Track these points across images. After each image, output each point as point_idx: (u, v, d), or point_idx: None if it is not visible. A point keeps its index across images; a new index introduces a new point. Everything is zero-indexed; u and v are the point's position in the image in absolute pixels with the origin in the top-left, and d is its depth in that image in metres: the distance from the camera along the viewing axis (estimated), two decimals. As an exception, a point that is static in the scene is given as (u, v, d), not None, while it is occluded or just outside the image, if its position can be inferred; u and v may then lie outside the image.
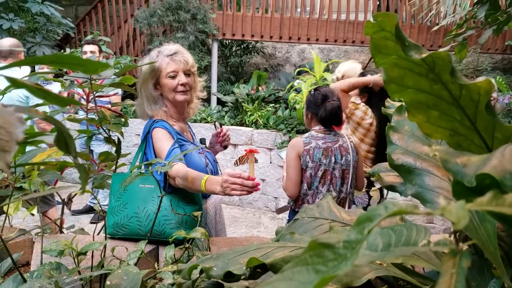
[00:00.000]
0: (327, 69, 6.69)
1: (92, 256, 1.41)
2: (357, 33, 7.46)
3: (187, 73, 1.95)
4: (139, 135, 6.41)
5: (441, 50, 0.78)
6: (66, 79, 1.69)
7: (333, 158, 2.67)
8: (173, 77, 1.92)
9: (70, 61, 0.43)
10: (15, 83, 0.44)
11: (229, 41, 8.57)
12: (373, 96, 3.35)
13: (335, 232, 0.36)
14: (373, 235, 0.37)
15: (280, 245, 0.91)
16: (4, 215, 1.61)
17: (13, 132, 0.34)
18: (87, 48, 4.93)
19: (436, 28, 4.10)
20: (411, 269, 0.94)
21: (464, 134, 0.82)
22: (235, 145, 5.95)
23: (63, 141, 0.42)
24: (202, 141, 2.35)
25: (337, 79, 3.63)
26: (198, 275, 0.94)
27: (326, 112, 2.69)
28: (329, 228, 1.00)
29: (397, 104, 1.31)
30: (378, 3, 7.84)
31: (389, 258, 0.75)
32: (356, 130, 3.28)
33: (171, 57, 1.92)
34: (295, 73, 7.09)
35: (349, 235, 0.31)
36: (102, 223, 1.91)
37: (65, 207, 1.82)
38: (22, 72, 4.03)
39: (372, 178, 3.20)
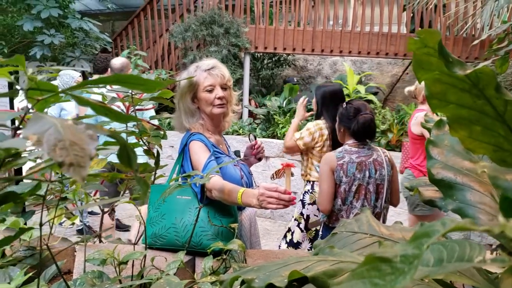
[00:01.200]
0: (359, 82, 6.66)
1: (133, 265, 1.45)
2: (390, 45, 7.41)
3: (224, 87, 1.99)
4: (172, 146, 6.51)
5: (482, 64, 0.78)
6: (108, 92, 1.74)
7: (367, 172, 2.64)
8: (210, 91, 1.96)
9: (132, 80, 0.46)
10: (80, 101, 0.47)
11: (261, 54, 8.65)
12: (324, 106, 3.42)
13: (385, 247, 0.37)
14: (425, 252, 0.38)
15: (320, 259, 0.91)
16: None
17: (86, 148, 0.36)
18: None
19: (476, 42, 4.05)
20: (452, 285, 0.93)
21: (509, 149, 0.82)
22: (267, 158, 5.96)
23: (126, 156, 0.44)
24: (237, 153, 2.37)
25: (414, 91, 3.89)
26: (239, 287, 0.95)
27: (359, 125, 2.66)
28: (370, 243, 1.00)
29: (436, 118, 1.31)
30: (412, 15, 7.77)
31: (433, 274, 0.75)
32: (309, 155, 3.46)
33: (208, 71, 1.96)
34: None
35: (405, 250, 0.32)
36: (137, 233, 1.96)
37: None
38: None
39: None
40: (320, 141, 3.37)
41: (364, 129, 2.67)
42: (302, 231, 3.52)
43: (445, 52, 0.73)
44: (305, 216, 3.48)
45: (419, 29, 7.29)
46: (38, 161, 0.97)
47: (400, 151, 5.49)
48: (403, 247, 0.33)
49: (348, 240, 1.10)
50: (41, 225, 1.00)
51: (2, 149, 0.39)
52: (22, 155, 0.67)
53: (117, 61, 4.38)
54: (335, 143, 3.26)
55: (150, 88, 0.49)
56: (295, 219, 3.59)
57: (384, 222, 2.71)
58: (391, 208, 2.85)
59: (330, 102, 3.36)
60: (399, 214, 5.09)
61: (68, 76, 4.84)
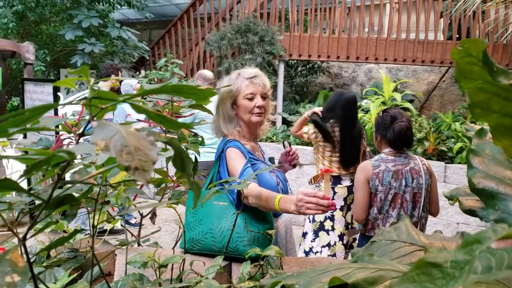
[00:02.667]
0: (395, 89, 6.58)
1: (172, 269, 1.48)
2: (426, 53, 7.29)
3: (264, 96, 2.02)
4: (207, 153, 6.57)
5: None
6: (149, 101, 1.79)
7: (403, 181, 2.62)
8: (251, 99, 1.99)
9: (186, 90, 0.49)
10: (138, 109, 0.50)
11: (295, 61, 8.66)
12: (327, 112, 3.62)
13: (431, 253, 0.38)
14: (476, 258, 0.39)
15: (360, 266, 0.92)
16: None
17: (149, 153, 0.39)
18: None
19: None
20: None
21: (555, 159, 0.81)
22: (300, 165, 5.95)
23: (180, 161, 0.47)
24: (271, 160, 2.39)
25: None
26: (278, 292, 0.96)
27: (395, 133, 2.65)
28: (409, 251, 1.00)
29: (477, 127, 1.29)
30: (449, 21, 7.63)
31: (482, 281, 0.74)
32: (317, 149, 3.65)
33: (250, 80, 1.99)
34: (363, 93, 7.03)
35: (456, 256, 0.33)
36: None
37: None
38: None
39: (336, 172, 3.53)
40: (320, 139, 3.58)
41: (400, 137, 2.66)
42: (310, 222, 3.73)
43: (489, 61, 0.73)
44: None
45: (457, 36, 7.13)
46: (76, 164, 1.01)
47: (437, 160, 5.39)
48: (454, 253, 0.34)
49: (387, 248, 1.10)
50: (93, 226, 1.04)
51: (69, 154, 0.42)
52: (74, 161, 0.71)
53: (210, 73, 5.06)
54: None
55: (202, 97, 0.51)
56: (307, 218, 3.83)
57: (422, 231, 2.67)
58: (429, 217, 2.83)
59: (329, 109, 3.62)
60: (436, 224, 5.00)
61: (128, 85, 5.17)
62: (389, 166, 2.64)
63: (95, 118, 0.48)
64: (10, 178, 0.44)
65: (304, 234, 3.70)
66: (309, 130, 3.64)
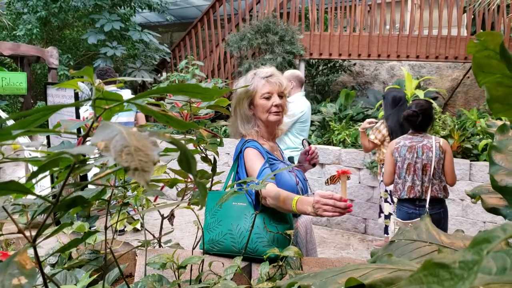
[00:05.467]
0: (418, 86, 6.48)
1: (191, 270, 1.48)
2: (450, 49, 7.15)
3: (280, 95, 2.01)
4: (228, 153, 6.59)
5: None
6: (168, 103, 1.81)
7: (415, 154, 3.45)
8: (268, 98, 1.98)
9: (192, 89, 0.48)
10: (144, 109, 0.50)
11: (316, 60, 8.61)
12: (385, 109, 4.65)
13: (444, 253, 0.36)
14: (485, 258, 0.37)
15: (378, 267, 0.90)
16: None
17: (150, 154, 0.38)
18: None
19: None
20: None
21: None
22: (322, 165, 5.91)
23: (186, 161, 0.46)
24: (290, 159, 2.38)
25: None
26: (295, 293, 0.95)
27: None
28: (429, 251, 0.98)
29: (499, 123, 1.26)
30: (472, 16, 7.47)
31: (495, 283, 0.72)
32: (383, 146, 4.50)
33: (266, 79, 1.99)
34: (385, 91, 6.94)
35: (464, 256, 0.31)
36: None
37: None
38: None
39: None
40: (381, 138, 4.51)
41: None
42: (390, 204, 4.65)
43: (507, 55, 0.70)
44: (389, 191, 4.57)
45: (481, 31, 6.99)
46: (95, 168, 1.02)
47: (462, 158, 5.28)
48: (462, 253, 0.32)
49: (406, 248, 1.08)
50: (106, 228, 1.05)
51: (72, 155, 0.42)
52: (88, 162, 0.71)
53: (300, 72, 5.19)
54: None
55: (208, 97, 0.51)
56: (380, 197, 4.89)
57: (431, 195, 3.42)
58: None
59: (390, 106, 4.50)
60: (461, 223, 4.90)
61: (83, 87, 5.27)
62: (406, 142, 3.52)
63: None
64: (16, 180, 0.44)
65: (390, 215, 4.61)
66: (376, 136, 4.49)
